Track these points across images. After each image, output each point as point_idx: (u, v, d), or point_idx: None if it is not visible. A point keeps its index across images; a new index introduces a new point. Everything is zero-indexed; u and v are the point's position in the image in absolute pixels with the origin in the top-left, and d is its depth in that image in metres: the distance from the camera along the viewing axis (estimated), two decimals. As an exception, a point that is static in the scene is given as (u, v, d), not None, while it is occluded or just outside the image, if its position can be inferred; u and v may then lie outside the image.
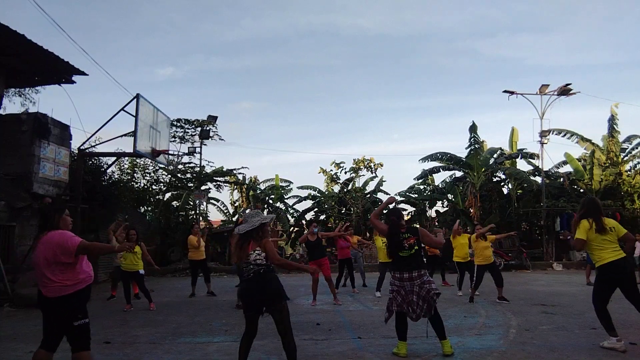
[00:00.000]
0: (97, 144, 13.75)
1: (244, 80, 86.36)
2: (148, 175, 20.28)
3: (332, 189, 26.19)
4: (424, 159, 23.00)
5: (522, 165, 23.60)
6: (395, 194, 25.20)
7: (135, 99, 11.95)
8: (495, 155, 23.07)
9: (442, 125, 79.35)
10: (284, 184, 28.47)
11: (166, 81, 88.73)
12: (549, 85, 20.09)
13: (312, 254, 9.39)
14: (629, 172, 21.29)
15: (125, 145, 30.44)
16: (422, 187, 25.78)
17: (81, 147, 12.69)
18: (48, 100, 72.69)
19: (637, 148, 21.90)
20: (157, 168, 20.22)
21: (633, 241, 5.96)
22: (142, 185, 20.09)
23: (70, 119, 14.24)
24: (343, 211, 24.74)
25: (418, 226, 5.47)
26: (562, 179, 23.04)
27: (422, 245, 5.26)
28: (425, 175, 24.04)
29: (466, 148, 21.75)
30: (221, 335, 6.35)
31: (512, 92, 20.27)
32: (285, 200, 27.92)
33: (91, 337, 3.79)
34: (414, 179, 24.77)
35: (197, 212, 21.64)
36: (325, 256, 9.52)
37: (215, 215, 29.28)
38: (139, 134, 11.98)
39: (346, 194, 24.71)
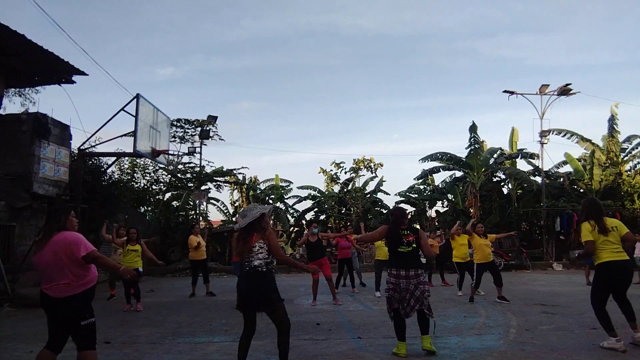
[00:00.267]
0: (97, 144, 13.76)
1: (244, 80, 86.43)
2: (148, 175, 20.30)
3: (332, 189, 26.21)
4: (424, 159, 23.01)
5: (522, 165, 23.65)
6: (395, 194, 25.26)
7: (135, 99, 11.96)
8: (495, 155, 23.07)
9: (442, 125, 79.39)
10: (284, 184, 28.49)
11: (166, 81, 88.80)
12: (549, 85, 20.11)
13: (312, 255, 9.39)
14: (629, 172, 21.29)
15: (125, 145, 30.43)
16: (422, 187, 25.79)
17: (81, 147, 12.69)
18: (48, 100, 72.78)
19: (637, 148, 21.90)
20: (157, 168, 20.23)
21: (633, 241, 5.95)
22: (142, 185, 20.11)
23: (70, 119, 14.25)
24: (343, 211, 24.76)
25: (419, 228, 5.51)
26: (562, 179, 23.04)
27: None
28: (425, 175, 24.05)
29: (466, 148, 21.78)
30: (221, 335, 6.35)
31: (512, 92, 20.27)
32: (285, 200, 27.95)
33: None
34: (414, 179, 24.83)
35: (197, 212, 21.65)
36: (325, 256, 9.52)
37: (215, 215, 29.30)
38: (139, 134, 11.98)
39: (346, 194, 24.72)
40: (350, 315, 7.73)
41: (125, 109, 12.05)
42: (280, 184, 28.45)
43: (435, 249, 12.50)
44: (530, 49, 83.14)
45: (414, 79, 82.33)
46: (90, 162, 14.48)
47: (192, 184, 21.99)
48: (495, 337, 5.88)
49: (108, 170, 15.39)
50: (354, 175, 24.93)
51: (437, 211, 24.83)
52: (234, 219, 28.39)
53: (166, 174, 21.11)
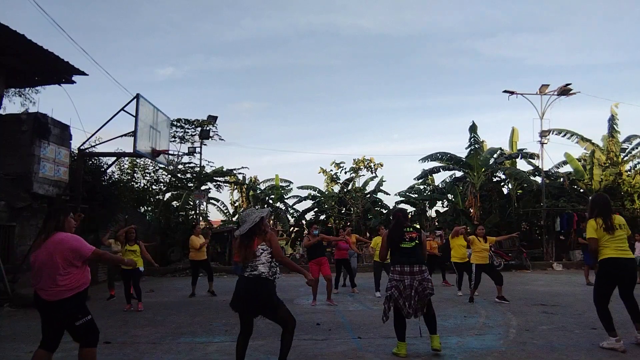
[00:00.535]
0: (97, 144, 13.75)
1: (244, 80, 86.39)
2: (148, 175, 20.29)
3: (332, 189, 26.21)
4: (424, 159, 23.00)
5: (522, 165, 23.63)
6: (395, 194, 25.25)
7: (135, 99, 11.95)
8: (495, 155, 23.06)
9: (442, 125, 79.37)
10: (284, 184, 28.50)
11: (166, 81, 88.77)
12: (549, 85, 20.09)
13: (313, 254, 9.38)
14: (629, 172, 21.27)
15: (125, 145, 30.45)
16: (422, 187, 25.78)
17: (81, 147, 12.68)
18: (48, 100, 72.73)
19: (637, 148, 21.89)
20: (157, 168, 20.22)
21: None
22: (142, 185, 20.10)
23: (70, 119, 14.24)
24: (343, 211, 24.76)
25: (420, 229, 5.54)
26: (562, 179, 23.04)
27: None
28: (425, 175, 24.03)
29: (466, 148, 21.76)
30: (221, 335, 6.35)
31: (512, 92, 20.26)
32: (285, 200, 27.95)
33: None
34: (414, 179, 24.80)
35: (197, 212, 21.65)
36: (324, 256, 9.52)
37: (215, 215, 29.31)
38: (139, 134, 11.97)
39: (346, 194, 24.73)
40: (350, 315, 7.74)
41: (125, 109, 12.04)
42: (280, 184, 28.46)
43: (435, 250, 12.52)
44: (530, 49, 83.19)
45: (414, 79, 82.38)
46: (90, 162, 14.48)
47: (192, 184, 21.98)
48: (495, 337, 5.88)
49: (108, 170, 15.39)
50: (354, 175, 24.94)
51: (437, 211, 24.83)
52: (234, 219, 28.42)
53: (166, 174, 21.10)
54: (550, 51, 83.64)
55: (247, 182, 28.57)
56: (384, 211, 24.66)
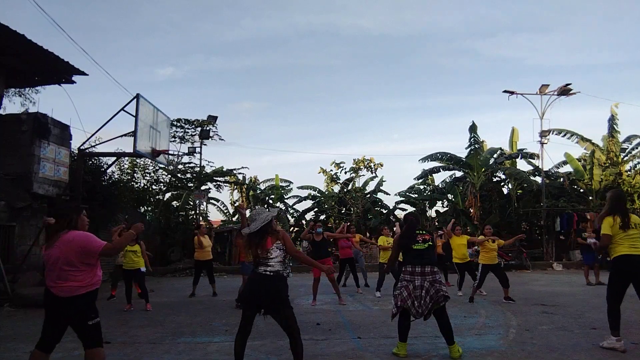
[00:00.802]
0: (97, 144, 13.75)
1: (244, 80, 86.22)
2: (148, 175, 20.28)
3: (332, 189, 26.21)
4: (424, 159, 23.00)
5: (522, 165, 23.63)
6: (395, 194, 25.26)
7: (135, 99, 11.96)
8: (495, 155, 23.06)
9: (442, 125, 79.24)
10: (284, 184, 28.50)
11: (166, 81, 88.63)
12: (549, 85, 20.09)
13: (318, 254, 9.33)
14: (629, 172, 21.28)
15: (125, 145, 30.43)
16: (422, 187, 25.79)
17: (81, 147, 12.69)
18: (48, 100, 72.58)
19: (637, 148, 21.88)
20: (157, 168, 20.22)
21: None
22: (142, 185, 20.09)
23: (70, 119, 14.24)
24: (343, 211, 24.76)
25: (432, 232, 5.53)
26: (562, 179, 23.04)
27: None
28: (425, 175, 24.04)
29: (466, 148, 21.76)
30: (221, 335, 6.35)
31: (512, 92, 20.27)
32: (285, 200, 27.95)
33: None
34: (414, 179, 24.80)
35: (197, 212, 21.66)
36: (329, 256, 9.51)
37: (215, 215, 29.30)
38: (139, 134, 11.98)
39: (346, 194, 24.73)
40: (350, 315, 7.74)
41: (125, 109, 12.05)
42: (280, 184, 28.46)
43: (439, 249, 12.51)
44: (530, 49, 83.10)
45: (414, 79, 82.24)
46: (90, 162, 14.48)
47: (192, 184, 21.99)
48: (495, 337, 5.88)
49: (108, 170, 15.39)
50: (354, 175, 24.95)
51: (437, 211, 24.84)
52: (234, 219, 28.41)
53: (166, 174, 21.10)
54: (550, 51, 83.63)
55: (247, 182, 28.58)
56: (384, 211, 24.67)
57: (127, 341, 5.97)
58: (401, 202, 24.88)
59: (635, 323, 6.30)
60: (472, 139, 21.56)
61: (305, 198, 26.50)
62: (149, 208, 21.16)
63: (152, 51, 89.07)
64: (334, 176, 25.36)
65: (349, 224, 12.76)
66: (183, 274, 16.68)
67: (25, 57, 11.17)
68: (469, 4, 80.00)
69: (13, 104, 15.27)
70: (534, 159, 22.33)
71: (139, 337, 6.24)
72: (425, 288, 4.87)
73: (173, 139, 20.67)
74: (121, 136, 13.76)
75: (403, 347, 5.00)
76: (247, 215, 4.37)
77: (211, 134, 22.08)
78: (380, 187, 25.16)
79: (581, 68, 77.61)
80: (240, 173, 26.20)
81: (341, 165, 24.77)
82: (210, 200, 26.01)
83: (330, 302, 9.13)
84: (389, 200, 25.95)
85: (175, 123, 20.87)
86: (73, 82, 12.75)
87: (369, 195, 24.68)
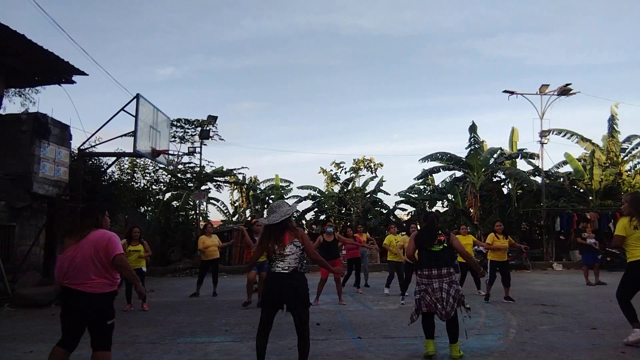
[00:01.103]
0: (97, 144, 13.74)
1: (244, 80, 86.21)
2: (148, 175, 20.29)
3: (332, 189, 26.19)
4: (424, 159, 22.99)
5: (522, 165, 23.61)
6: (395, 194, 25.25)
7: (135, 99, 11.94)
8: (495, 155, 23.06)
9: (442, 125, 79.28)
10: (284, 184, 28.50)
11: (166, 81, 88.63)
12: (549, 85, 20.08)
13: (328, 254, 9.23)
14: (629, 172, 21.28)
15: (125, 145, 30.41)
16: (422, 187, 25.78)
17: (81, 147, 12.68)
18: (48, 100, 72.62)
19: (637, 148, 21.88)
20: (157, 168, 20.22)
21: None
22: (142, 185, 20.10)
23: (70, 119, 14.24)
24: (343, 211, 24.75)
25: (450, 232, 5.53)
26: (562, 179, 23.03)
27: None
28: (425, 175, 24.03)
29: (466, 148, 21.74)
30: (221, 335, 6.35)
31: (512, 92, 20.26)
32: (286, 200, 27.92)
33: None
34: (414, 179, 24.77)
35: (197, 212, 21.65)
36: (339, 257, 9.52)
37: (215, 215, 29.31)
38: (139, 134, 11.96)
39: (346, 194, 24.71)
40: (350, 315, 7.74)
41: (125, 109, 12.03)
42: (280, 184, 28.46)
43: None
44: (530, 49, 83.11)
45: (414, 79, 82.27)
46: (90, 162, 14.48)
47: (192, 184, 21.98)
48: (495, 337, 5.88)
49: (108, 170, 15.40)
50: (354, 175, 24.92)
51: (437, 211, 24.82)
52: (234, 218, 28.42)
53: (166, 174, 21.10)
54: (550, 51, 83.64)
55: (247, 182, 28.58)
56: (384, 211, 24.66)
57: (127, 341, 5.97)
58: (401, 202, 24.86)
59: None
60: (472, 139, 21.55)
61: (305, 198, 26.49)
62: (149, 208, 21.16)
63: (152, 51, 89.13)
64: (334, 176, 25.34)
65: (359, 228, 12.76)
66: (183, 274, 16.67)
67: (25, 57, 11.16)
68: (469, 4, 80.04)
69: (13, 104, 15.30)
70: (534, 159, 22.32)
71: (139, 337, 6.24)
72: (446, 290, 4.89)
73: (173, 139, 20.66)
74: (121, 136, 13.74)
75: (431, 344, 4.99)
76: (270, 206, 4.33)
77: (211, 134, 22.06)
78: (380, 187, 25.15)
79: (581, 68, 77.67)
80: (240, 173, 26.22)
81: (341, 165, 24.76)
82: (210, 200, 26.02)
83: (331, 302, 9.13)
84: (389, 200, 25.95)
85: (175, 123, 20.85)
86: (73, 82, 12.74)
87: (369, 195, 24.67)
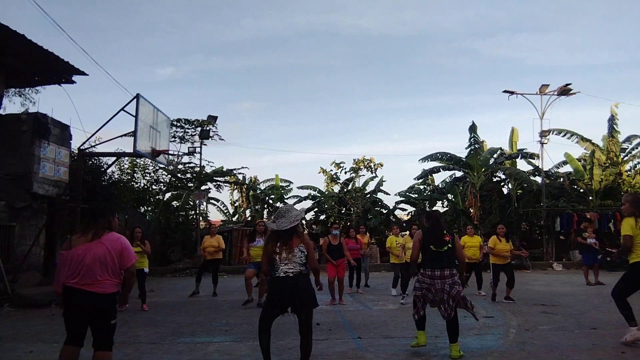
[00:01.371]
0: (97, 144, 13.74)
1: (244, 80, 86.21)
2: (148, 175, 20.30)
3: (332, 189, 26.19)
4: (424, 159, 22.98)
5: (522, 165, 23.60)
6: (395, 194, 25.24)
7: (135, 99, 11.94)
8: (495, 155, 23.05)
9: (442, 125, 79.31)
10: (284, 184, 28.49)
11: (166, 81, 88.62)
12: (549, 85, 20.08)
13: (334, 255, 9.32)
14: (629, 172, 21.28)
15: (125, 145, 30.40)
16: (422, 187, 25.77)
17: (81, 147, 12.68)
18: (48, 100, 72.55)
19: (637, 148, 21.88)
20: (157, 168, 20.23)
21: None
22: (142, 185, 20.11)
23: (70, 119, 14.24)
24: (343, 211, 24.74)
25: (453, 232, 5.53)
26: (562, 179, 23.03)
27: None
28: (425, 175, 24.02)
29: (466, 148, 21.73)
30: (221, 335, 6.35)
31: (512, 92, 20.27)
32: (285, 200, 27.92)
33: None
34: (414, 179, 24.76)
35: (197, 212, 21.65)
36: (343, 257, 9.55)
37: (215, 215, 29.30)
38: (139, 134, 11.96)
39: (346, 194, 24.71)
40: (350, 315, 7.74)
41: (125, 109, 12.03)
42: (280, 184, 28.45)
43: None
44: (530, 49, 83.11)
45: (414, 79, 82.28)
46: (90, 162, 14.48)
47: (192, 184, 21.98)
48: (495, 337, 5.88)
49: (108, 170, 15.40)
50: (354, 175, 24.91)
51: (437, 211, 24.82)
52: (234, 218, 28.41)
53: (166, 174, 21.10)
54: (550, 51, 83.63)
55: (247, 182, 28.56)
56: (384, 211, 24.66)
57: (127, 341, 5.96)
58: (401, 202, 24.86)
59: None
60: (472, 139, 21.55)
61: (305, 198, 26.48)
62: (149, 208, 21.16)
63: (152, 51, 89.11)
64: (334, 176, 25.34)
65: (361, 228, 12.82)
66: (183, 274, 16.67)
67: (25, 57, 11.16)
68: (469, 4, 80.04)
69: (13, 104, 15.31)
70: (534, 159, 22.32)
71: (139, 337, 6.24)
72: (447, 291, 4.92)
73: (173, 139, 20.64)
74: (121, 136, 13.73)
75: (422, 335, 5.11)
76: (279, 210, 4.40)
77: (211, 134, 22.04)
78: (380, 187, 25.14)
79: (581, 68, 77.68)
80: (240, 173, 26.21)
81: (341, 165, 24.75)
82: (210, 200, 26.01)
83: (331, 302, 9.12)
84: (389, 200, 25.94)
85: (175, 123, 20.84)
86: (73, 82, 12.74)
87: (369, 195, 24.67)
